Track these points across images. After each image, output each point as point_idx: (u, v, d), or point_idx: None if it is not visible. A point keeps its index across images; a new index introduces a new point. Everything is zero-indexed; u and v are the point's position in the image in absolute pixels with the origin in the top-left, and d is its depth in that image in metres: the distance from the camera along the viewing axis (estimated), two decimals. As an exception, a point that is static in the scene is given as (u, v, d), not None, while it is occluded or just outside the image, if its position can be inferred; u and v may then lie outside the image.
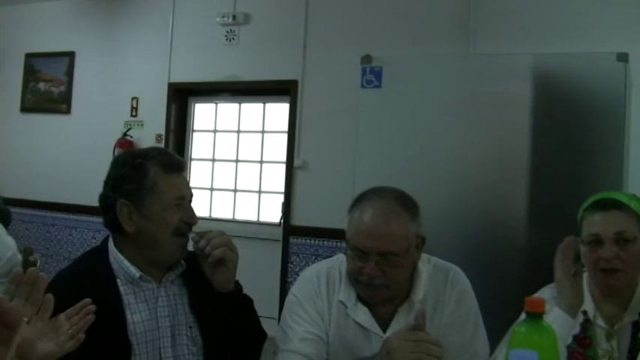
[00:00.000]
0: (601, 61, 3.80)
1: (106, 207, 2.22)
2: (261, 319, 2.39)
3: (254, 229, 6.10)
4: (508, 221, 3.60)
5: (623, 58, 3.79)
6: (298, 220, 5.72)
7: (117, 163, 2.29)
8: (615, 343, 2.26)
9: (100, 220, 2.28)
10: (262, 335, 2.38)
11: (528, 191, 3.56)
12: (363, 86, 4.17)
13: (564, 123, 3.72)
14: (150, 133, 6.65)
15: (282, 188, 5.94)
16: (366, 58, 4.20)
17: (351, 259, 2.24)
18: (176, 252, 2.24)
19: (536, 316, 1.55)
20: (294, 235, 5.71)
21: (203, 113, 6.80)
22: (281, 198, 5.94)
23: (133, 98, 6.81)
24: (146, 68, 6.74)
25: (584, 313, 2.31)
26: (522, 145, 3.63)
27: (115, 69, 6.95)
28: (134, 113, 6.81)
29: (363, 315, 2.29)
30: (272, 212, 6.17)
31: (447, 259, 2.48)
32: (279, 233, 5.84)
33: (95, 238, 6.62)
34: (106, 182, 2.26)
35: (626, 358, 2.19)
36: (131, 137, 6.73)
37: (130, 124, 6.80)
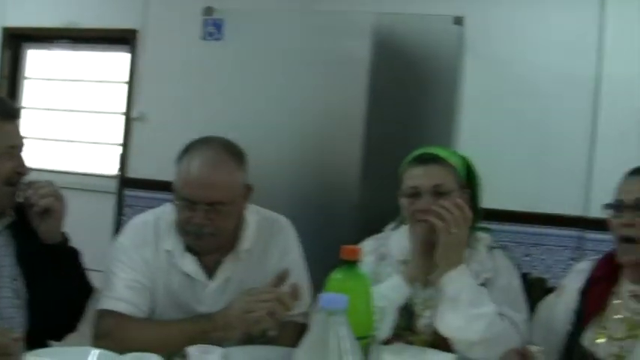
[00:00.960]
0: (438, 24, 3.91)
1: None
2: (92, 272, 2.34)
3: (88, 181, 5.93)
4: (341, 176, 3.65)
5: (458, 21, 3.91)
6: (134, 172, 5.61)
7: None
8: (431, 291, 2.35)
9: None
10: (89, 288, 2.33)
11: (362, 148, 3.63)
12: (204, 38, 4.12)
13: (401, 83, 3.81)
14: (-21, 80, 6.32)
15: (118, 140, 5.81)
16: (208, 10, 4.15)
17: (180, 210, 2.24)
18: (5, 200, 2.15)
19: (351, 263, 1.59)
20: (130, 188, 5.61)
21: (38, 60, 6.52)
22: (117, 150, 5.81)
23: (-39, 42, 6.46)
24: (-23, 10, 6.39)
25: (404, 262, 2.40)
26: (359, 102, 3.69)
27: (-58, 9, 6.55)
28: (-38, 58, 6.46)
29: (189, 264, 2.30)
30: (107, 164, 6.03)
31: (280, 212, 2.52)
32: (114, 185, 5.72)
33: None
34: None
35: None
36: (-42, 83, 6.39)
37: (-42, 70, 6.45)
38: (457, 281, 2.22)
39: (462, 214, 2.24)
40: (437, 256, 2.28)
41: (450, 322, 2.20)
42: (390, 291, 2.25)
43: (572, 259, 4.18)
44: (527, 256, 4.47)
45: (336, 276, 1.59)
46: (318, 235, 3.32)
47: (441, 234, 2.24)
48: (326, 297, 1.29)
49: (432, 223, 2.26)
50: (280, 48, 3.90)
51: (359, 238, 2.57)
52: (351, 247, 1.60)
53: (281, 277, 2.15)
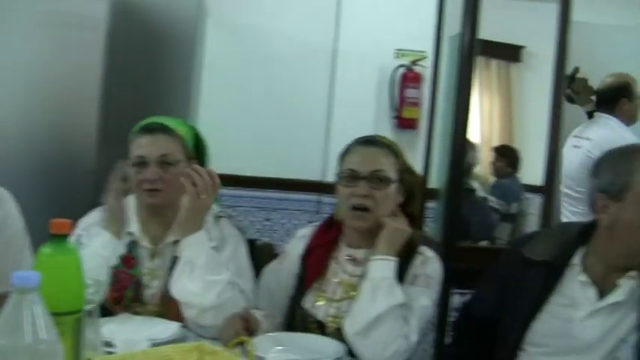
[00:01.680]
0: (177, -11, 3.86)
1: None
2: None
3: None
4: (77, 141, 3.51)
5: (196, -13, 3.88)
6: None
7: None
8: (158, 261, 2.36)
9: None
10: None
11: (99, 112, 3.50)
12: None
13: (140, 47, 3.72)
14: None
15: None
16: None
17: None
18: None
19: (60, 237, 1.55)
20: None
21: None
22: None
23: None
24: None
25: (131, 234, 2.38)
26: (95, 66, 3.53)
27: None
28: None
29: None
30: None
31: (11, 180, 2.41)
32: None
33: None
34: None
35: (167, 274, 2.30)
36: None
37: None
38: (196, 246, 2.24)
39: (213, 181, 2.26)
40: (179, 220, 2.30)
41: (186, 286, 2.22)
42: (102, 249, 2.26)
43: (311, 222, 4.34)
44: (267, 220, 4.59)
45: (45, 251, 1.54)
46: (52, 203, 3.22)
47: (189, 198, 2.24)
48: (17, 275, 1.24)
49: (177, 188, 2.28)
50: (13, 8, 3.67)
51: (96, 205, 2.51)
52: (59, 220, 1.54)
53: None
